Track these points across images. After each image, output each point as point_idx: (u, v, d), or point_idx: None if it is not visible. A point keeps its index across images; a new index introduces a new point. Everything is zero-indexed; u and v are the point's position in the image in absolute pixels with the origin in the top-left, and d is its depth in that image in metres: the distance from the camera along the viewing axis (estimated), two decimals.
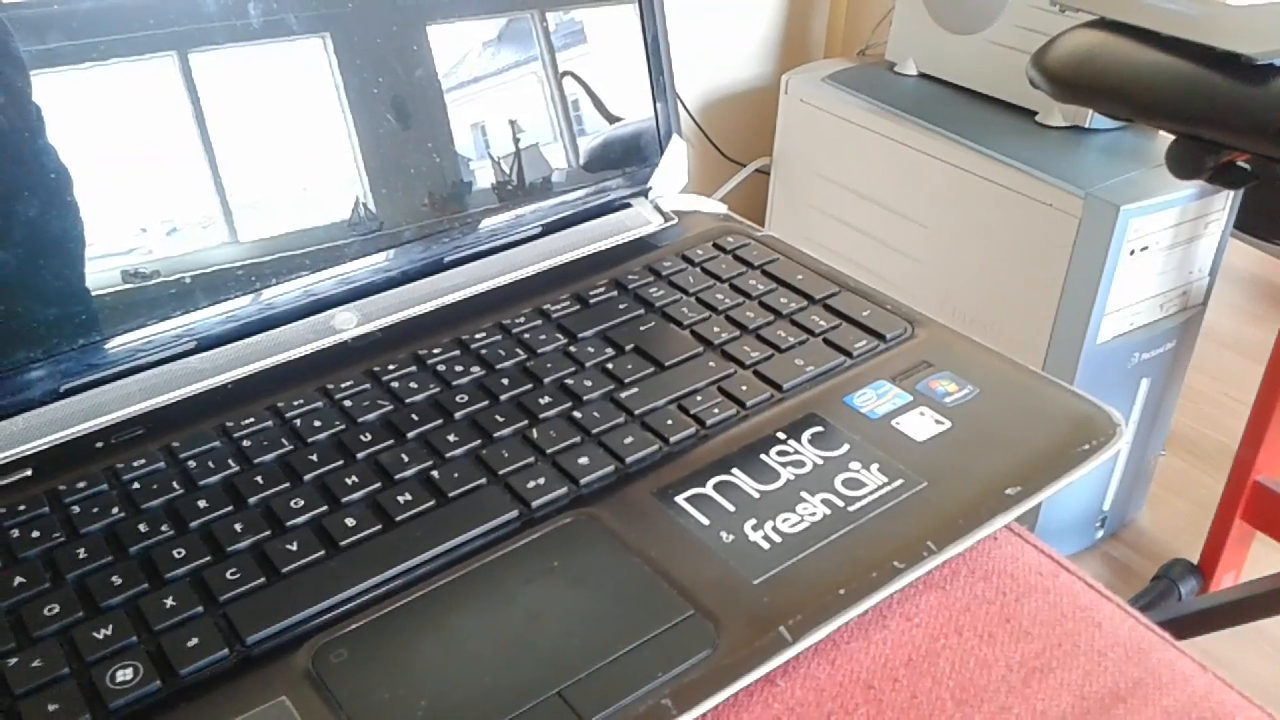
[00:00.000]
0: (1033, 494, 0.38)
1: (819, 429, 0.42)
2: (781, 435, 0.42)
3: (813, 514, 0.38)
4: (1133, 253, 1.06)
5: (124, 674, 0.32)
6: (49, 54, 0.41)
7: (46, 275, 0.42)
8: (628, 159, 0.57)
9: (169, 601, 0.34)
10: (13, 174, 0.41)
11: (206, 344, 0.46)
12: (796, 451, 0.41)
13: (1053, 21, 1.10)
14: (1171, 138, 0.75)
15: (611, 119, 0.56)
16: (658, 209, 0.57)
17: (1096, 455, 0.40)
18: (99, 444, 0.41)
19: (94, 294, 0.43)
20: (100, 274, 0.43)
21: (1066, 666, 0.35)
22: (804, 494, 0.39)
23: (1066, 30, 0.78)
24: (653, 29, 0.56)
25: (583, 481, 0.40)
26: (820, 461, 0.40)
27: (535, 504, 0.39)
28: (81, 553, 0.36)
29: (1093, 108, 1.03)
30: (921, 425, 0.42)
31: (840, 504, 0.38)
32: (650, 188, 0.58)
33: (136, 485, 0.39)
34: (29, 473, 0.40)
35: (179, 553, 0.36)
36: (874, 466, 0.40)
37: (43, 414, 0.42)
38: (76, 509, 0.38)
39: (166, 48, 0.43)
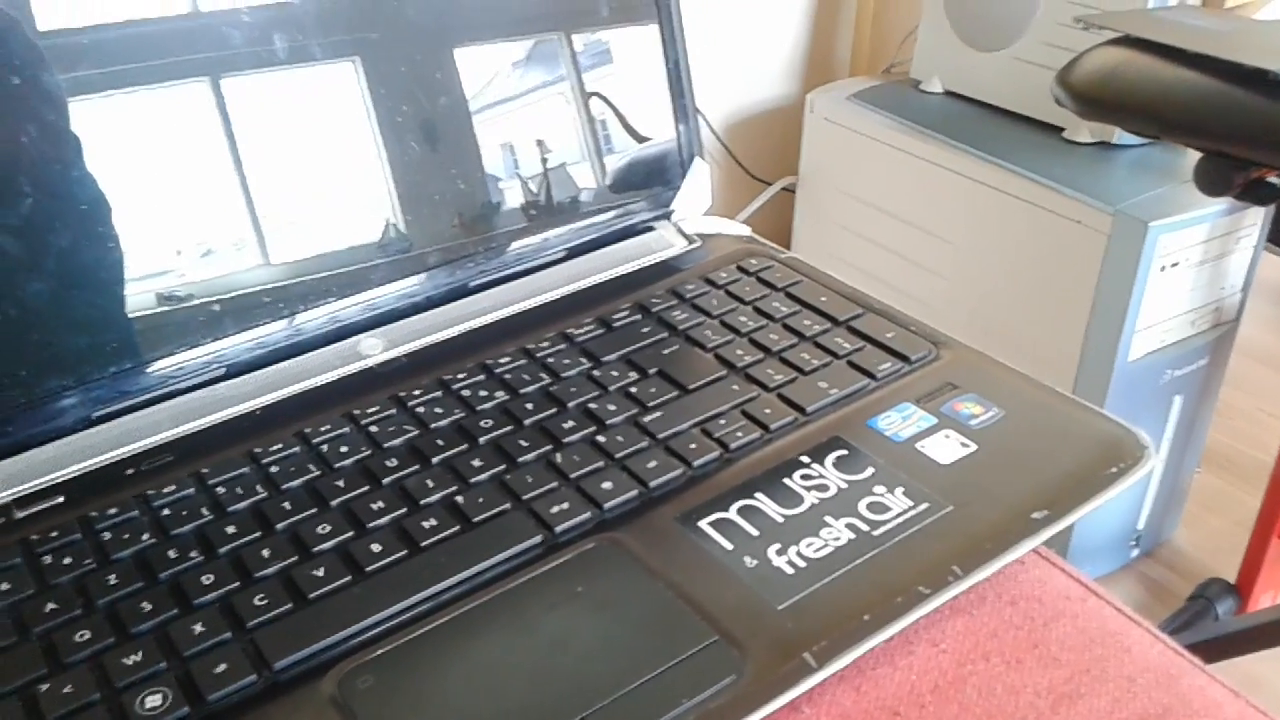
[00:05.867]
0: (1060, 518, 0.38)
1: (843, 452, 0.42)
2: (805, 459, 0.41)
3: (837, 538, 0.38)
4: (1163, 269, 1.05)
5: (153, 700, 0.32)
6: (79, 82, 0.42)
7: (79, 304, 0.43)
8: (651, 181, 0.57)
9: (198, 628, 0.35)
10: (46, 204, 0.41)
11: (235, 370, 0.46)
12: (820, 475, 0.41)
13: (1078, 38, 1.09)
14: (1199, 154, 0.75)
15: (634, 142, 0.56)
16: (681, 232, 0.58)
17: (1124, 478, 0.40)
18: (129, 470, 0.42)
19: (125, 322, 0.44)
20: (131, 302, 0.44)
21: (1096, 693, 0.35)
22: (828, 518, 0.38)
23: (1091, 48, 0.77)
24: (674, 52, 0.57)
25: (606, 506, 0.40)
26: (844, 485, 0.40)
27: (559, 529, 0.39)
28: (112, 579, 0.37)
29: (1118, 125, 1.02)
30: (947, 448, 0.41)
31: (865, 528, 0.38)
32: (673, 210, 0.58)
33: (166, 511, 0.39)
34: (61, 499, 0.41)
35: (207, 579, 0.36)
36: (899, 490, 0.39)
37: (74, 441, 0.43)
38: (107, 535, 0.39)
39: (197, 74, 0.44)
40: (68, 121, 0.41)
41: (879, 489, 0.40)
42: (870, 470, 0.41)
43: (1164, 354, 1.11)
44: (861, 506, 0.39)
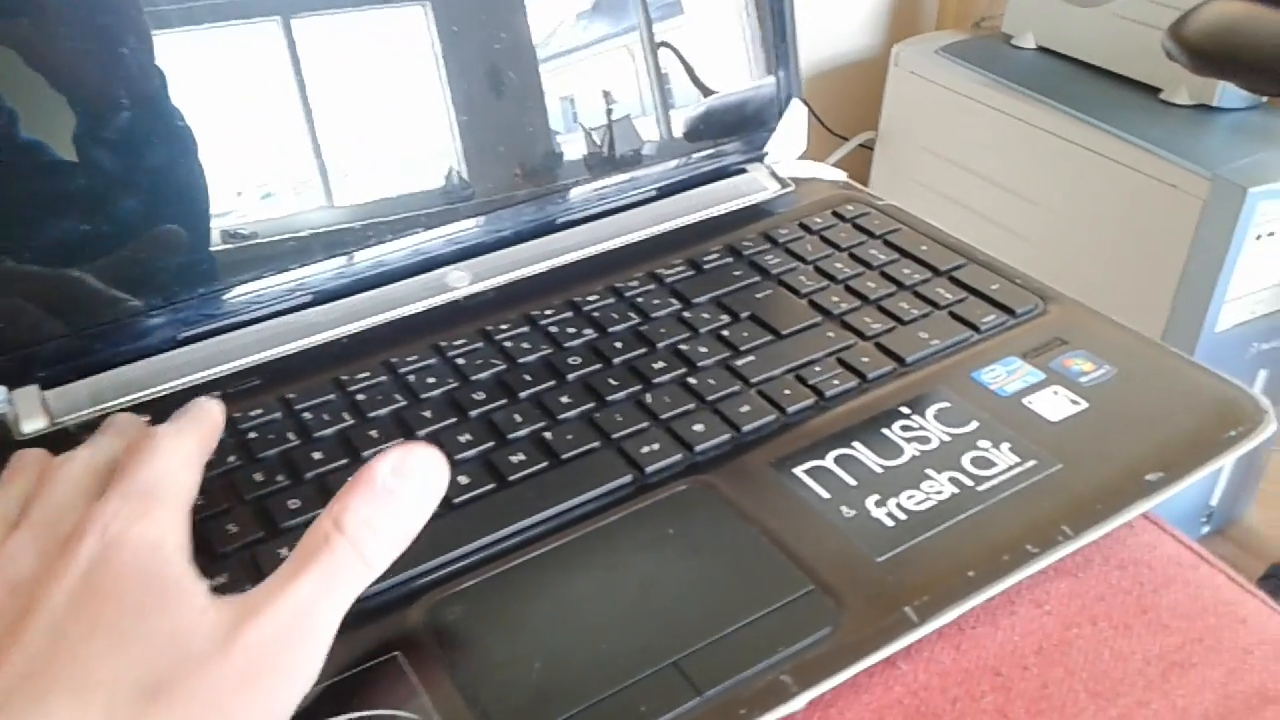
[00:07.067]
0: (1176, 480, 0.36)
1: (945, 405, 0.40)
2: (905, 409, 0.40)
3: (939, 492, 0.36)
4: (1259, 238, 1.01)
5: None
6: (182, 14, 0.41)
7: (167, 224, 0.42)
8: (745, 123, 0.55)
9: (283, 552, 0.34)
10: (140, 121, 0.41)
11: (322, 298, 0.46)
12: (921, 427, 0.39)
13: None
14: None
15: (730, 82, 0.55)
16: (774, 175, 0.56)
17: (1243, 442, 0.38)
18: (216, 393, 0.41)
19: (213, 245, 0.43)
20: (218, 226, 0.43)
21: (1209, 663, 0.33)
22: (929, 471, 0.37)
23: (1205, 1, 0.74)
24: None
25: (698, 448, 0.39)
26: (947, 438, 0.38)
27: (649, 469, 0.38)
28: (199, 501, 0.36)
29: (1234, 82, 0.97)
30: (1055, 405, 0.40)
31: (969, 483, 0.36)
32: (767, 153, 0.56)
33: (253, 434, 0.39)
34: (148, 419, 0.40)
35: (294, 503, 0.36)
36: (1004, 445, 0.38)
37: (161, 361, 0.43)
38: None
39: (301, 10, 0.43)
40: (156, 51, 0.41)
41: (984, 443, 0.38)
42: (974, 424, 0.39)
43: (1253, 326, 1.07)
44: (965, 461, 0.37)
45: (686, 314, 0.46)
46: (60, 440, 0.39)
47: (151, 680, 0.25)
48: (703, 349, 0.43)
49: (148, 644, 0.26)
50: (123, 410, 0.40)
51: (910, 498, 0.36)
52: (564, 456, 0.38)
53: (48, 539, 0.28)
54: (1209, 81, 1.09)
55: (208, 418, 0.34)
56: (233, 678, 0.26)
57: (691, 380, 0.42)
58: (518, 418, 0.40)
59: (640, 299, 0.47)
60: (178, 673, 0.25)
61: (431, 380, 0.42)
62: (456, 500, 0.36)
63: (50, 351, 0.41)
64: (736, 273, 0.48)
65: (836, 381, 0.41)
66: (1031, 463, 0.37)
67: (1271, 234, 1.02)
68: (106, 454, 0.32)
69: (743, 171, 0.56)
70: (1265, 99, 1.11)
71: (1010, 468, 0.37)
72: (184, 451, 0.32)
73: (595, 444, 0.39)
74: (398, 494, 0.30)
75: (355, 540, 0.29)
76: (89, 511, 0.28)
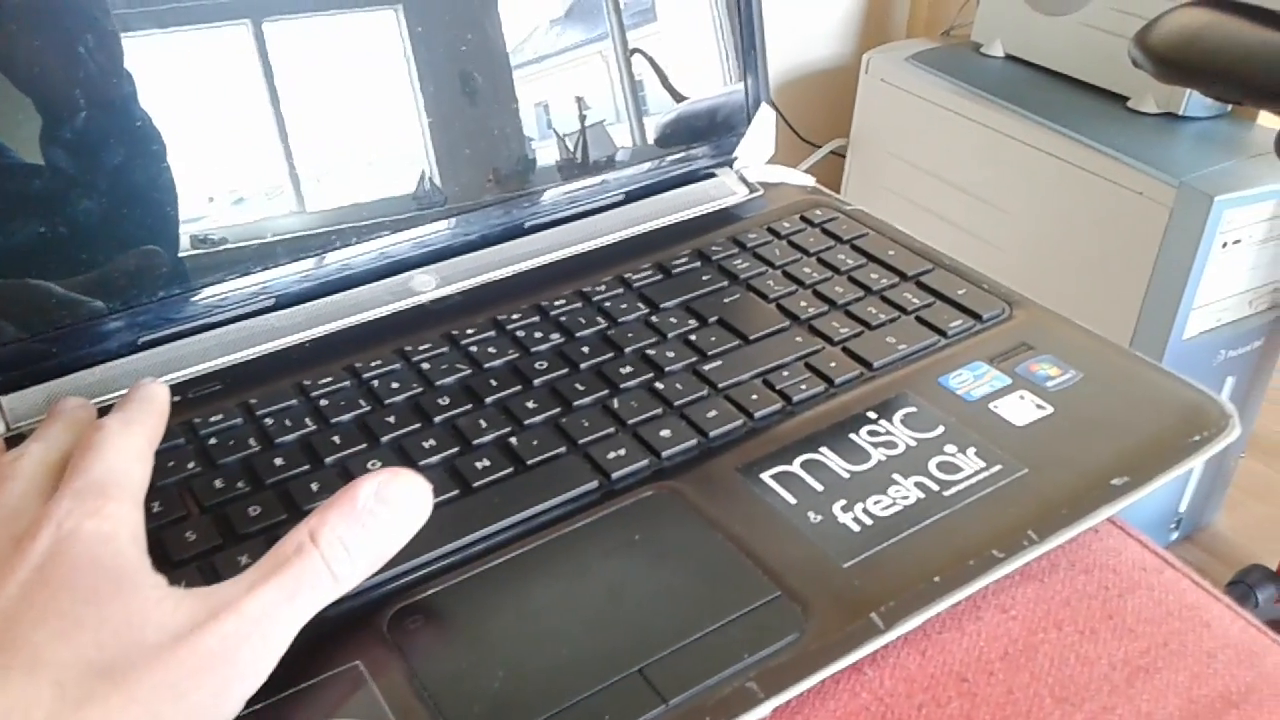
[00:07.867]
0: (1141, 485, 0.36)
1: (912, 409, 0.40)
2: (872, 414, 0.40)
3: (905, 497, 0.36)
4: (1225, 245, 1.02)
5: None
6: (137, 17, 0.40)
7: (127, 226, 0.42)
8: (714, 128, 0.55)
9: (244, 559, 0.33)
10: (99, 120, 0.40)
11: (284, 302, 0.45)
12: (888, 432, 0.39)
13: (1150, 4, 1.06)
14: None
15: (700, 87, 0.54)
16: (743, 180, 0.56)
17: (1208, 447, 0.38)
18: (176, 398, 0.41)
19: (173, 247, 0.42)
20: (180, 227, 0.42)
21: (1173, 667, 0.33)
22: (896, 476, 0.37)
23: (1172, 9, 0.74)
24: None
25: (664, 454, 0.38)
26: (913, 443, 0.38)
27: (615, 475, 0.37)
28: (156, 506, 0.35)
29: (1200, 89, 0.98)
30: (1021, 409, 0.40)
31: (935, 488, 0.36)
32: (735, 158, 0.56)
33: (213, 440, 0.38)
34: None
35: (254, 510, 0.35)
36: (971, 450, 0.38)
37: (120, 366, 0.42)
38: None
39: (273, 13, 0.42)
40: (123, 50, 0.40)
41: (950, 448, 0.38)
42: (940, 429, 0.39)
43: (1219, 333, 1.08)
44: (931, 465, 0.37)
45: (654, 318, 0.45)
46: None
47: (104, 662, 0.25)
48: (670, 354, 0.43)
49: (100, 629, 0.26)
50: None
51: (877, 503, 0.36)
52: (529, 462, 0.38)
53: (2, 537, 0.28)
54: (1176, 90, 1.10)
55: (154, 405, 0.34)
56: (187, 668, 0.26)
57: (658, 385, 0.41)
58: (483, 423, 0.39)
59: (608, 303, 0.46)
60: (131, 657, 0.26)
61: (396, 385, 0.41)
62: None
63: (6, 356, 0.40)
64: (704, 277, 0.48)
65: (804, 386, 0.41)
66: (997, 467, 0.37)
67: (1238, 241, 1.03)
68: (58, 448, 0.32)
69: (711, 176, 0.55)
70: (1230, 107, 1.12)
71: (976, 473, 0.37)
72: (134, 446, 0.32)
73: (561, 450, 0.38)
74: (377, 517, 0.30)
75: (327, 555, 0.29)
76: (43, 510, 0.29)
